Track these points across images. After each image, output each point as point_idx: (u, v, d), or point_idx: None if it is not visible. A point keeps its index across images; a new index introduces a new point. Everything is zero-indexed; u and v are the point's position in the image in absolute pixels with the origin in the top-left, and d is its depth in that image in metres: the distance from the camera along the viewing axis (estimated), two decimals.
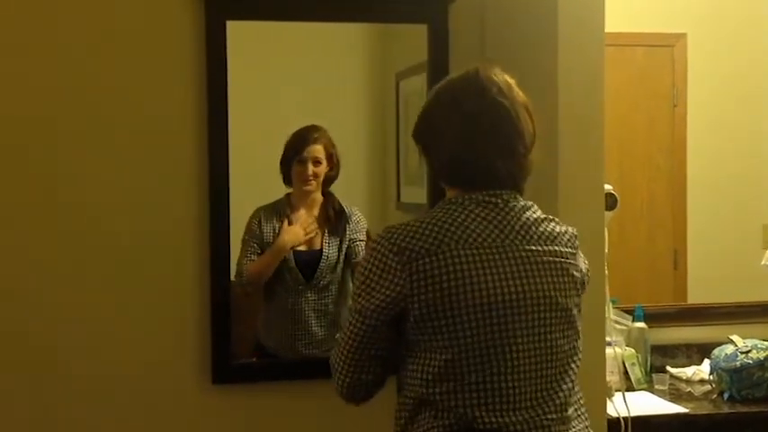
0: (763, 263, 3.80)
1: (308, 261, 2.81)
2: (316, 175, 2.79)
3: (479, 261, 1.88)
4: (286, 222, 2.81)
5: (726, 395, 3.30)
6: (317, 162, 2.78)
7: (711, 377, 3.41)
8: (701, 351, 3.71)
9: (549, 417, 1.89)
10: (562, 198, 2.58)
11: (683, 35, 4.19)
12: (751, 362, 3.27)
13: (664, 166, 4.22)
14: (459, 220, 1.91)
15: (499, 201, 1.95)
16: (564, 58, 2.59)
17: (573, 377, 1.95)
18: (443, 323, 1.86)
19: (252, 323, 2.85)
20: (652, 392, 3.40)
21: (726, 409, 3.21)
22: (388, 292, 1.88)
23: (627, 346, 3.52)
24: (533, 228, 1.95)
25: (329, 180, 2.82)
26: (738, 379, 3.26)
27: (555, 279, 1.94)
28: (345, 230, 2.84)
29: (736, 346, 3.35)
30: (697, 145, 4.21)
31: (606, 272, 2.73)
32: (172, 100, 2.63)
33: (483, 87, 1.96)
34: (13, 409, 2.59)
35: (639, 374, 3.48)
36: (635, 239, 4.16)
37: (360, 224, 2.84)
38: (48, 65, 2.57)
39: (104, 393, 2.62)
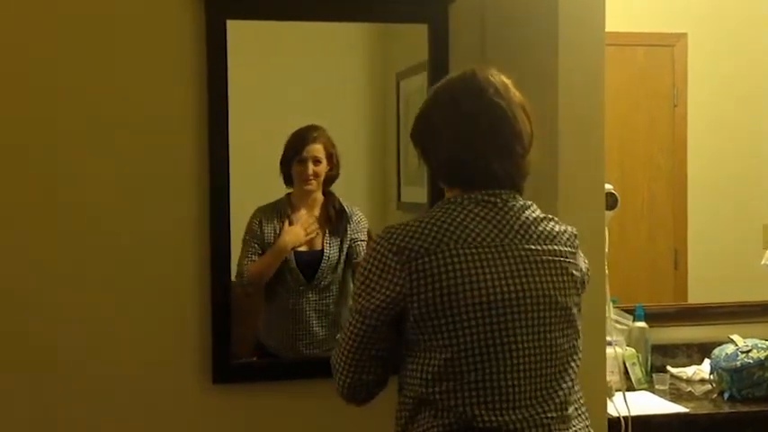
0: (763, 262, 3.80)
1: (309, 261, 2.81)
2: (316, 175, 2.79)
3: (478, 260, 1.88)
4: (287, 223, 2.81)
5: (726, 395, 3.30)
6: (317, 161, 2.78)
7: (712, 377, 3.41)
8: (701, 351, 3.71)
9: (549, 415, 1.89)
10: (562, 198, 2.58)
11: (684, 35, 4.19)
12: (751, 361, 3.27)
13: (664, 165, 4.22)
14: (459, 219, 1.91)
15: (498, 200, 1.95)
16: (564, 58, 2.59)
17: (573, 376, 1.96)
18: (443, 322, 1.87)
19: (252, 323, 2.85)
20: (652, 392, 3.40)
21: (726, 409, 3.21)
22: (387, 292, 1.89)
23: (627, 345, 3.52)
24: (533, 227, 1.95)
25: (330, 180, 2.81)
26: (739, 378, 3.26)
27: (554, 278, 1.94)
28: (346, 230, 2.83)
29: (737, 345, 3.35)
30: (697, 145, 4.21)
31: (607, 271, 2.73)
32: (172, 100, 2.63)
33: (480, 88, 1.97)
34: (13, 409, 2.59)
35: (640, 374, 3.48)
36: (635, 239, 4.16)
37: (361, 224, 2.84)
38: (48, 65, 2.57)
39: (104, 393, 2.62)
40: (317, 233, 2.82)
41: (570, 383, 1.94)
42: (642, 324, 3.62)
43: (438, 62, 2.74)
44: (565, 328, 1.95)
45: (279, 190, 2.80)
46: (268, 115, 2.80)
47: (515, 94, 2.00)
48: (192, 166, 2.64)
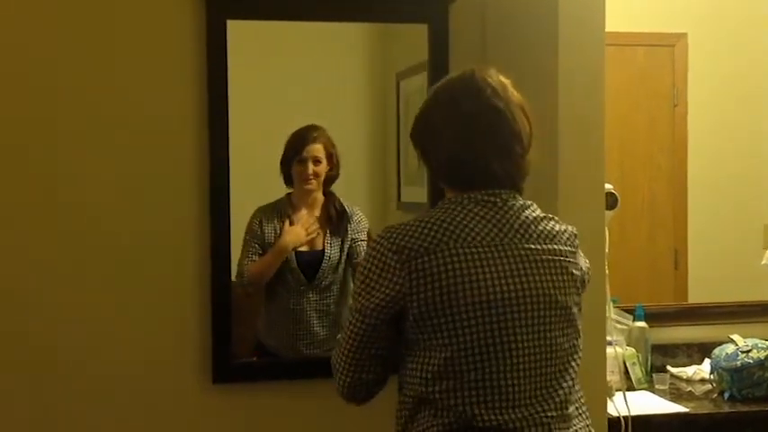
0: (763, 262, 3.80)
1: (310, 261, 2.81)
2: (316, 175, 2.79)
3: (478, 259, 1.88)
4: (287, 223, 2.81)
5: (726, 394, 3.30)
6: (317, 161, 2.78)
7: (712, 376, 3.41)
8: (701, 350, 3.71)
9: (549, 414, 1.89)
10: (563, 197, 2.58)
11: (684, 35, 4.19)
12: (751, 361, 3.27)
13: (664, 165, 4.22)
14: (459, 218, 1.91)
15: (498, 200, 1.95)
16: (564, 58, 2.58)
17: (573, 375, 1.96)
18: (442, 321, 1.87)
19: (252, 323, 2.85)
20: (653, 392, 3.40)
21: (726, 409, 3.21)
22: (387, 291, 1.89)
23: (627, 345, 3.52)
24: (532, 226, 1.95)
25: (330, 180, 2.81)
26: (739, 378, 3.26)
27: (554, 277, 1.94)
28: (347, 230, 2.84)
29: (737, 345, 3.35)
30: (697, 145, 4.21)
31: (607, 271, 2.73)
32: (172, 100, 2.63)
33: (479, 88, 1.97)
34: (13, 409, 2.59)
35: (640, 374, 3.48)
36: (635, 239, 4.16)
37: (361, 224, 2.84)
38: (48, 65, 2.57)
39: (104, 393, 2.62)
40: (318, 233, 2.82)
41: (571, 383, 1.94)
42: (642, 324, 3.61)
43: (438, 62, 2.74)
44: (565, 327, 1.95)
45: (279, 190, 2.80)
46: (268, 115, 2.80)
47: (514, 95, 2.00)
48: (192, 166, 2.64)
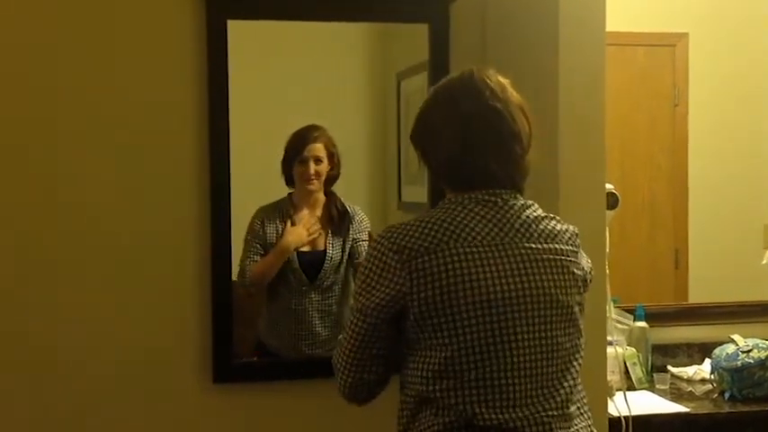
0: (763, 262, 3.80)
1: (312, 262, 2.81)
2: (318, 174, 2.79)
3: (479, 258, 1.88)
4: (289, 223, 2.80)
5: (727, 394, 3.29)
6: (318, 161, 2.78)
7: (712, 376, 3.41)
8: (701, 350, 3.71)
9: (550, 413, 1.89)
10: (563, 197, 2.58)
11: (685, 35, 4.19)
12: (752, 361, 3.26)
13: (665, 165, 4.22)
14: (459, 218, 1.91)
15: (499, 200, 1.95)
16: (565, 58, 2.58)
17: (575, 375, 1.95)
18: (443, 320, 1.87)
19: (254, 323, 2.85)
20: (653, 392, 3.40)
21: (727, 409, 3.21)
22: (387, 291, 1.89)
23: (628, 345, 3.52)
24: (533, 226, 1.95)
25: (331, 179, 2.81)
26: (739, 378, 3.26)
27: (555, 276, 1.94)
28: (348, 230, 2.84)
29: (737, 345, 3.35)
30: (698, 145, 4.21)
31: (607, 271, 2.73)
32: (172, 100, 2.63)
33: (478, 89, 1.97)
34: (13, 409, 2.59)
35: (640, 374, 3.48)
36: (636, 239, 4.16)
37: (363, 224, 2.84)
38: (48, 65, 2.57)
39: (104, 393, 2.62)
40: (320, 233, 2.82)
41: (572, 382, 1.94)
42: (643, 324, 3.61)
43: (438, 62, 2.74)
44: (566, 326, 1.94)
45: (279, 190, 2.80)
46: (268, 115, 2.80)
47: (513, 95, 2.00)
48: (192, 166, 2.64)
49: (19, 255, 2.58)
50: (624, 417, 2.85)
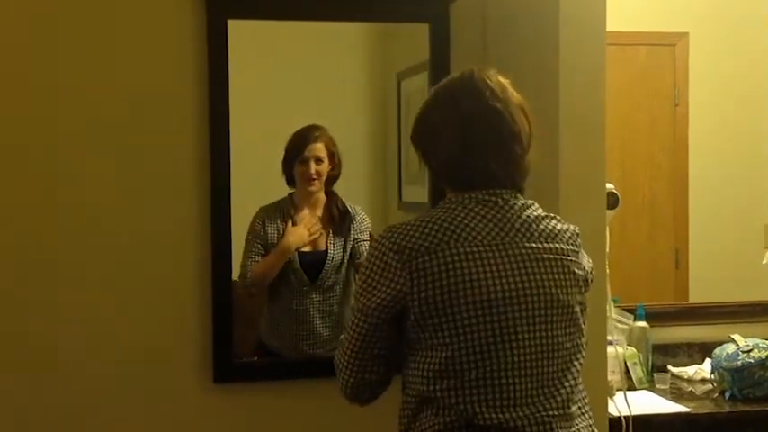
0: (764, 262, 3.80)
1: (313, 262, 2.81)
2: (319, 174, 2.79)
3: (479, 258, 1.88)
4: (290, 223, 2.80)
5: (727, 394, 3.29)
6: (318, 161, 2.78)
7: (713, 376, 3.41)
8: (702, 350, 3.71)
9: (551, 413, 1.89)
10: (564, 197, 2.58)
11: (685, 34, 4.19)
12: (752, 361, 3.26)
13: (665, 165, 4.22)
14: (460, 218, 1.91)
15: (499, 199, 1.95)
16: (565, 58, 2.58)
17: (576, 374, 1.95)
18: (443, 320, 1.87)
19: (255, 323, 2.85)
20: (653, 391, 3.40)
21: (727, 408, 3.21)
22: (388, 291, 1.89)
23: (628, 345, 3.51)
24: (534, 225, 1.95)
25: (332, 179, 2.81)
26: (740, 378, 3.26)
27: (556, 276, 1.94)
28: (349, 230, 2.83)
29: (738, 345, 3.35)
30: (698, 144, 4.21)
31: (607, 271, 2.73)
32: (172, 100, 2.63)
33: (478, 89, 1.97)
34: (13, 409, 2.59)
35: (641, 373, 3.47)
36: (636, 238, 4.16)
37: (363, 224, 2.84)
38: (48, 65, 2.57)
39: (104, 393, 2.62)
40: (321, 233, 2.82)
41: (573, 382, 1.94)
42: (643, 323, 3.61)
43: (439, 62, 2.74)
44: (567, 326, 1.94)
45: (280, 189, 2.80)
46: (268, 115, 2.80)
47: (514, 95, 2.00)
48: (192, 165, 2.64)
49: (19, 255, 2.58)
50: (624, 416, 2.85)
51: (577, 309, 1.97)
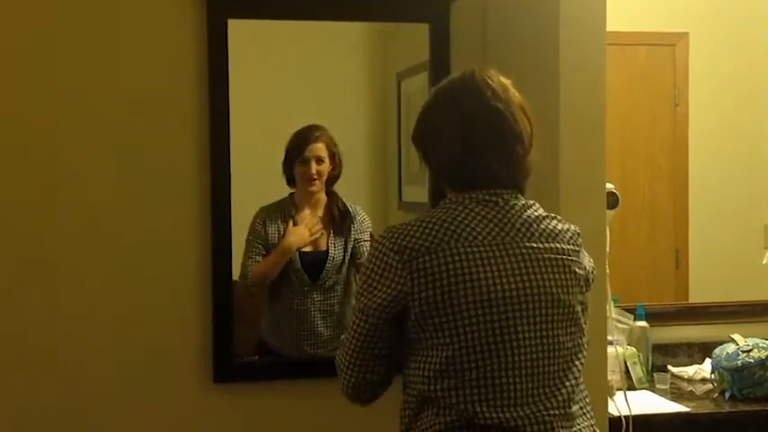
0: (764, 262, 3.80)
1: (314, 262, 2.81)
2: (319, 174, 2.79)
3: (479, 258, 1.88)
4: (291, 223, 2.80)
5: (727, 394, 3.29)
6: (319, 161, 2.78)
7: (713, 376, 3.41)
8: (702, 350, 3.71)
9: (552, 413, 1.89)
10: (564, 197, 2.58)
11: (685, 34, 4.19)
12: (752, 361, 3.26)
13: (665, 165, 4.22)
14: (460, 218, 1.91)
15: (500, 199, 1.95)
16: (565, 58, 2.58)
17: (577, 374, 1.95)
18: (444, 320, 1.87)
19: (256, 323, 2.85)
20: (653, 391, 3.40)
21: (727, 408, 3.21)
22: (389, 291, 1.89)
23: (628, 345, 3.51)
24: (534, 225, 1.95)
25: (332, 179, 2.81)
26: (740, 378, 3.26)
27: (557, 276, 1.94)
28: (350, 230, 2.83)
29: (738, 344, 3.35)
30: (698, 144, 4.21)
31: (607, 271, 2.73)
32: (172, 99, 2.63)
33: (479, 89, 1.97)
34: (13, 409, 2.59)
35: (641, 373, 3.48)
36: (636, 238, 4.16)
37: (364, 224, 2.84)
38: (48, 65, 2.57)
39: (105, 393, 2.62)
40: (322, 233, 2.82)
41: (574, 381, 1.94)
42: (643, 323, 3.61)
43: (439, 62, 2.74)
44: (568, 326, 1.94)
45: (279, 189, 2.80)
46: (269, 115, 2.80)
47: (515, 95, 2.00)
48: (193, 165, 2.64)
49: (19, 255, 2.58)
50: (624, 416, 2.85)
51: (578, 308, 1.97)
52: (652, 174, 4.21)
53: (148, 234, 2.63)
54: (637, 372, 3.46)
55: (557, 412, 1.89)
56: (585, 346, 2.00)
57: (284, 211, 2.81)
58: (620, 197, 3.02)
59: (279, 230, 2.79)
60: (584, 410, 1.97)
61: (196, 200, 2.64)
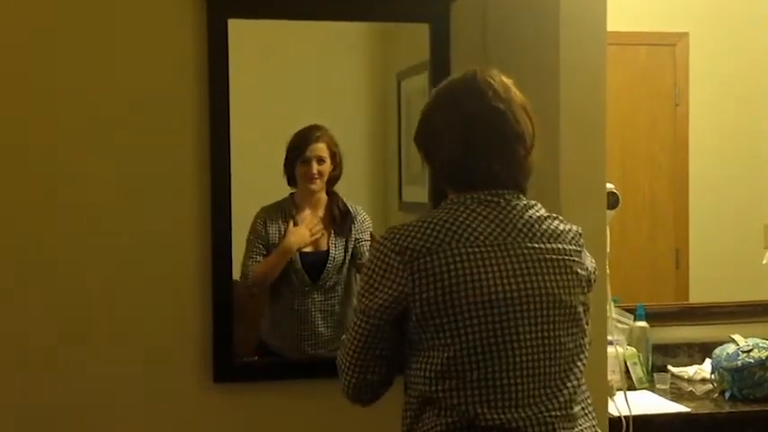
0: (764, 262, 3.80)
1: (315, 262, 2.81)
2: (320, 174, 2.79)
3: (480, 259, 1.88)
4: (291, 223, 2.80)
5: (727, 394, 3.29)
6: (320, 161, 2.78)
7: (713, 376, 3.41)
8: (702, 350, 3.71)
9: (553, 414, 1.88)
10: (564, 197, 2.57)
11: (685, 34, 4.19)
12: (752, 361, 3.26)
13: (665, 165, 4.22)
14: (461, 218, 1.91)
15: (501, 200, 1.95)
16: (566, 58, 2.58)
17: (578, 375, 1.95)
18: (445, 321, 1.86)
19: (256, 323, 2.85)
20: (653, 392, 3.40)
21: (727, 409, 3.21)
22: (390, 292, 1.89)
23: (628, 345, 3.51)
24: (536, 226, 1.95)
25: (333, 179, 2.81)
26: (740, 378, 3.26)
27: (558, 276, 1.93)
28: (351, 231, 2.83)
29: (738, 345, 3.35)
30: (699, 144, 4.21)
31: (608, 271, 2.73)
32: (172, 99, 2.63)
33: (481, 90, 1.97)
34: (13, 409, 2.59)
35: (641, 374, 3.47)
36: (637, 238, 4.16)
37: (365, 224, 2.84)
38: (48, 65, 2.57)
39: (105, 393, 2.62)
40: (323, 234, 2.82)
41: (576, 382, 1.94)
42: (643, 323, 3.61)
43: (439, 62, 2.74)
44: (569, 326, 1.94)
45: (280, 189, 2.80)
46: (269, 115, 2.80)
47: (516, 95, 1.99)
48: (193, 165, 2.64)
49: (19, 255, 2.58)
50: (624, 416, 2.85)
51: (580, 309, 1.97)
52: (652, 174, 4.21)
53: (148, 234, 2.63)
54: (637, 372, 3.46)
55: (558, 413, 1.89)
56: (587, 346, 1.99)
57: (285, 211, 2.81)
58: (620, 197, 3.02)
59: (279, 230, 2.79)
60: (586, 411, 1.96)
61: (196, 200, 2.64)
